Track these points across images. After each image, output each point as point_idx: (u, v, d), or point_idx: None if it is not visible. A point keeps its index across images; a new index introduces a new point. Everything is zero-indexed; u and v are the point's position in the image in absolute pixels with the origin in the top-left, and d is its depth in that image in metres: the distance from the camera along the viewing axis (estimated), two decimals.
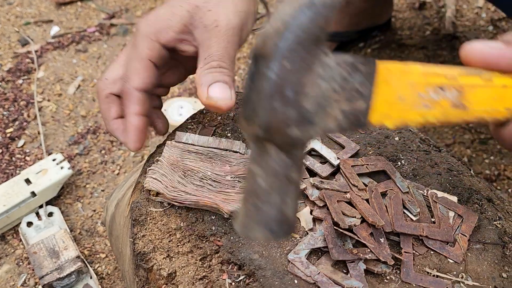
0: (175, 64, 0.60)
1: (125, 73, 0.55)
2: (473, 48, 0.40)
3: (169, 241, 0.53)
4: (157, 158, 0.58)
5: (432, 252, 0.53)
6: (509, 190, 1.06)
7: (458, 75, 0.39)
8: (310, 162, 0.59)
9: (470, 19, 1.48)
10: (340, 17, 1.27)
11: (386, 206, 0.55)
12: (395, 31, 1.43)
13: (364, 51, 1.37)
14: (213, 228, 0.53)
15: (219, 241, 0.52)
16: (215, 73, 0.52)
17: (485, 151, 1.13)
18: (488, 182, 1.04)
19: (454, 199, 0.57)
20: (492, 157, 1.12)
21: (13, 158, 1.07)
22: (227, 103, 0.51)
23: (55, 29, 1.37)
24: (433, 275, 0.50)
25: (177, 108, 1.13)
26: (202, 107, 1.13)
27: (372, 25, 1.36)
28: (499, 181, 1.07)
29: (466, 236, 0.54)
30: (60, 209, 0.98)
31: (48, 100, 1.19)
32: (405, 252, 0.52)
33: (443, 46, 1.39)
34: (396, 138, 0.65)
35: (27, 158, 1.07)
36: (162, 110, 1.11)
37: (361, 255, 0.49)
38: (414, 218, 0.54)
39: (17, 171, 1.04)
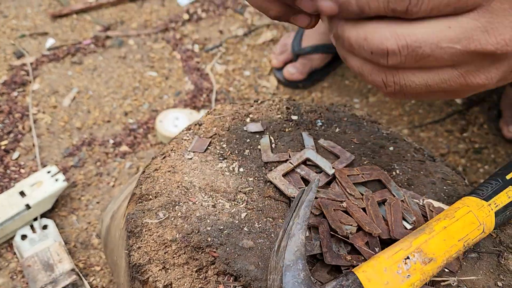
0: None
1: None
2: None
3: (165, 253, 0.53)
4: None
5: None
6: None
7: (410, 242, 0.47)
8: (306, 171, 0.59)
9: None
10: None
11: (383, 215, 0.55)
12: None
13: None
14: (209, 239, 0.52)
15: (214, 252, 0.52)
16: None
17: (480, 161, 1.14)
18: None
19: (446, 208, 0.57)
20: (486, 166, 1.13)
21: (8, 171, 1.06)
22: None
23: (50, 42, 1.37)
24: (427, 284, 0.50)
25: (173, 120, 1.13)
26: (198, 117, 1.13)
27: None
28: None
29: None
30: (54, 221, 0.98)
31: (43, 112, 1.19)
32: None
33: None
34: (391, 148, 0.65)
35: (22, 170, 1.07)
36: (158, 121, 1.11)
37: (355, 262, 0.49)
38: (409, 227, 0.54)
39: (12, 184, 1.04)
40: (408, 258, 0.46)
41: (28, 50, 1.35)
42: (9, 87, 1.24)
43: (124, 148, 1.12)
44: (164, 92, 1.26)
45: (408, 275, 0.45)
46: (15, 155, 1.09)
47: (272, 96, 1.26)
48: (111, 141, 1.13)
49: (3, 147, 1.10)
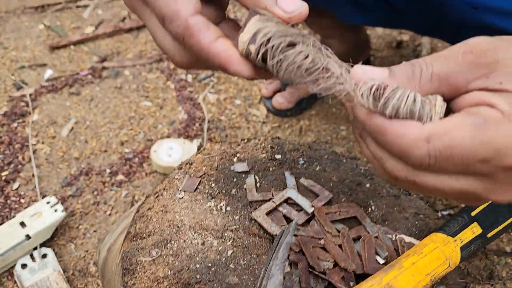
0: None
1: (163, 17, 0.43)
2: (360, 71, 0.40)
3: None
4: None
5: None
6: None
7: (381, 277, 0.52)
8: (287, 210, 0.64)
9: None
10: None
11: (358, 251, 0.60)
12: None
13: None
14: (198, 276, 0.57)
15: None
16: None
17: None
18: None
19: (417, 242, 0.62)
20: None
21: (8, 201, 1.11)
22: (306, 9, 0.44)
23: (49, 73, 1.43)
24: None
25: (167, 149, 1.18)
26: (191, 148, 1.17)
27: (352, 65, 1.43)
28: None
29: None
30: (53, 250, 1.02)
31: (42, 143, 1.24)
32: None
33: None
34: (367, 185, 0.71)
35: (22, 200, 1.11)
36: (152, 151, 1.15)
37: None
38: (381, 261, 0.59)
39: (12, 214, 1.08)
40: None
41: (28, 81, 1.40)
42: (9, 118, 1.29)
43: (120, 177, 1.17)
44: (158, 122, 1.31)
45: None
46: (15, 185, 1.14)
47: (261, 125, 1.32)
48: (108, 171, 1.18)
49: (3, 178, 1.15)
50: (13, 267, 0.99)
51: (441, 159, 0.36)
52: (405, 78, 0.39)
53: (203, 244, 0.61)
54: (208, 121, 1.32)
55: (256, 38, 0.40)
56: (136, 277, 0.59)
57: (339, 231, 0.62)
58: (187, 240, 0.61)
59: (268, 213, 0.64)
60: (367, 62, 1.48)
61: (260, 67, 0.42)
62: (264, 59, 0.40)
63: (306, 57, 0.39)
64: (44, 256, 1.00)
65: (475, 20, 0.81)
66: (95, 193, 1.14)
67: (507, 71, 0.38)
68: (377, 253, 0.60)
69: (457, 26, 0.87)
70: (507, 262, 1.04)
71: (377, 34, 1.64)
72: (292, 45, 0.40)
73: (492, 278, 0.63)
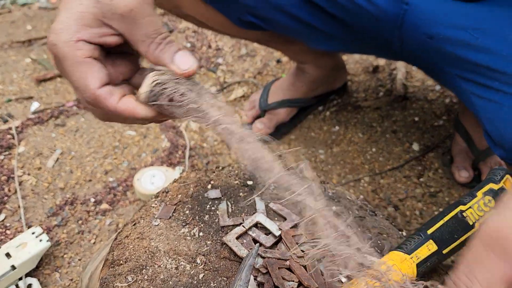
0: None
1: (77, 87, 0.54)
2: None
3: None
4: None
5: None
6: None
7: None
8: (256, 233, 0.68)
9: (419, 80, 1.63)
10: (299, 86, 1.40)
11: (321, 271, 0.63)
12: (351, 93, 1.57)
13: (323, 114, 1.49)
14: None
15: None
16: (168, 47, 0.55)
17: (435, 204, 1.24)
18: None
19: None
20: (441, 209, 1.22)
21: None
22: (196, 64, 0.55)
23: (35, 105, 1.47)
24: None
25: (150, 177, 1.21)
26: (174, 175, 1.21)
27: (329, 90, 1.49)
28: None
29: None
30: (39, 280, 1.04)
31: (28, 174, 1.27)
32: None
33: (395, 106, 1.52)
34: (334, 208, 0.74)
35: (8, 231, 1.14)
36: (135, 180, 1.19)
37: None
38: (344, 280, 0.63)
39: None
40: None
41: (14, 114, 1.44)
42: None
43: (104, 206, 1.20)
44: (142, 150, 1.35)
45: None
46: (1, 217, 1.17)
47: None
48: (92, 200, 1.21)
49: None
50: None
51: None
52: None
53: (176, 268, 0.64)
54: (191, 148, 1.36)
55: (152, 89, 0.55)
56: None
57: (303, 251, 0.65)
58: (161, 265, 0.65)
59: (238, 237, 0.67)
60: (344, 86, 1.54)
61: (159, 108, 0.56)
62: (157, 103, 0.55)
63: (187, 99, 0.53)
64: (29, 286, 1.02)
65: (435, 48, 0.87)
66: (80, 222, 1.16)
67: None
68: (340, 273, 0.64)
69: (420, 52, 0.93)
70: None
71: (354, 59, 1.71)
72: (180, 93, 0.54)
73: None
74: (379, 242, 0.70)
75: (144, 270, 0.64)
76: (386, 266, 0.61)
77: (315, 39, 1.06)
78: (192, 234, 0.69)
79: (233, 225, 0.70)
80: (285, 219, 0.70)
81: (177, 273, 0.64)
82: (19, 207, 1.18)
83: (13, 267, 1.01)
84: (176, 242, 0.67)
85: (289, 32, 1.07)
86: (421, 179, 1.30)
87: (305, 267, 0.63)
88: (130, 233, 0.70)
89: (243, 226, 0.68)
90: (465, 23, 0.78)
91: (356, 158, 1.36)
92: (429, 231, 0.66)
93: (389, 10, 0.87)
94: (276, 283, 0.60)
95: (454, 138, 1.30)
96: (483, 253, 0.44)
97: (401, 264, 0.61)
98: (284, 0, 0.95)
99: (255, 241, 0.67)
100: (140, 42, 0.55)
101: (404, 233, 0.76)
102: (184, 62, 0.55)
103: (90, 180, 1.26)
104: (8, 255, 1.02)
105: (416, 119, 1.47)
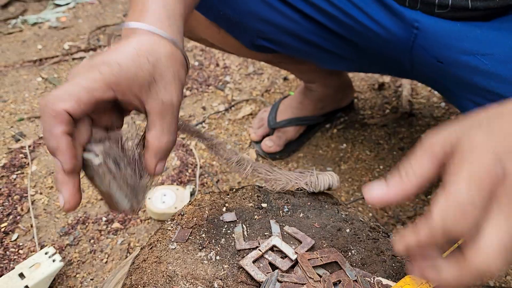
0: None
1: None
2: (367, 190, 0.51)
3: None
4: None
5: None
6: None
7: None
8: (273, 257, 0.69)
9: (425, 97, 1.65)
10: (307, 104, 1.42)
11: None
12: (358, 111, 1.58)
13: (330, 132, 1.51)
14: None
15: None
16: (163, 152, 0.62)
17: None
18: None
19: (393, 284, 0.67)
20: None
21: (7, 252, 1.14)
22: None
23: None
24: None
25: (160, 196, 1.23)
26: (184, 194, 1.22)
27: (336, 108, 1.51)
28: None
29: None
30: None
31: (41, 193, 1.28)
32: None
33: (401, 123, 1.53)
34: (347, 230, 0.76)
35: (20, 251, 1.15)
36: (146, 199, 1.21)
37: None
38: None
39: (11, 265, 1.11)
40: None
41: (26, 133, 1.46)
42: (8, 170, 1.34)
43: (116, 225, 1.21)
44: None
45: None
46: (14, 236, 1.18)
47: None
48: (104, 219, 1.22)
49: (3, 229, 1.19)
50: None
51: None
52: (397, 182, 0.49)
53: None
54: (201, 167, 1.37)
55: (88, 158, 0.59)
56: None
57: (320, 276, 0.66)
58: None
59: (254, 261, 0.68)
60: (351, 104, 1.56)
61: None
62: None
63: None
64: None
65: (445, 72, 0.89)
66: (92, 241, 1.17)
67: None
68: None
69: (431, 74, 0.94)
70: None
71: (360, 76, 1.73)
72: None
73: None
74: (393, 265, 0.71)
75: None
76: None
77: (326, 61, 1.08)
78: (209, 258, 0.70)
79: (249, 249, 0.71)
80: (300, 242, 0.71)
81: None
82: (31, 226, 1.20)
83: None
84: (193, 266, 0.68)
85: (300, 55, 1.09)
86: (429, 197, 1.31)
87: None
88: (147, 257, 0.71)
89: (259, 250, 0.69)
90: (474, 48, 0.80)
91: (364, 175, 1.37)
92: (444, 255, 0.67)
93: (399, 34, 0.89)
94: None
95: None
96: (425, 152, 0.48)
97: None
98: (295, 25, 0.97)
99: (271, 265, 0.68)
100: (155, 126, 0.62)
101: None
102: (159, 168, 0.64)
103: (101, 199, 1.27)
104: (21, 275, 1.04)
105: (423, 136, 1.48)
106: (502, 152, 0.44)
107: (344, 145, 1.46)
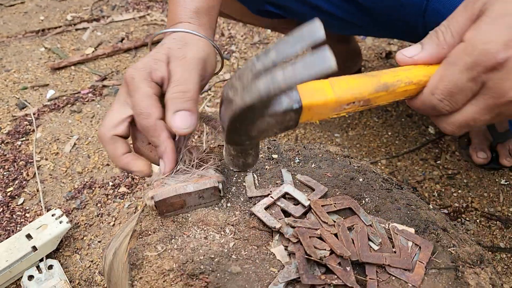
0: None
1: (140, 112, 0.63)
2: (400, 55, 0.55)
3: (164, 281, 0.60)
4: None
5: (393, 278, 0.61)
6: (477, 221, 1.14)
7: (368, 94, 0.52)
8: (285, 204, 0.67)
9: None
10: None
11: (352, 239, 0.63)
12: None
13: None
14: (202, 267, 0.60)
15: (207, 278, 0.59)
16: (179, 101, 0.63)
17: (453, 186, 1.23)
18: (457, 213, 1.13)
19: (412, 230, 0.66)
20: (460, 191, 1.21)
21: (14, 216, 1.14)
22: (187, 131, 0.64)
23: (51, 93, 1.47)
24: None
25: None
26: None
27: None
28: (468, 213, 1.16)
29: (423, 263, 0.62)
30: (59, 261, 1.04)
31: (46, 159, 1.27)
32: (369, 278, 0.59)
33: None
34: (361, 179, 0.74)
35: (27, 215, 1.14)
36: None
37: (329, 280, 0.56)
38: (376, 248, 0.62)
39: (18, 228, 1.11)
40: (353, 102, 0.52)
41: (30, 101, 1.44)
42: (13, 137, 1.32)
43: (122, 189, 1.20)
44: None
45: (342, 110, 0.53)
46: (20, 200, 1.17)
47: None
48: (111, 183, 1.21)
49: (9, 193, 1.18)
50: (19, 279, 1.01)
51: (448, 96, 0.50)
52: (434, 45, 0.53)
53: (205, 238, 0.64)
54: (207, 133, 1.35)
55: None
56: (143, 271, 0.61)
57: (334, 221, 0.65)
58: (190, 235, 0.64)
59: (266, 208, 0.67)
60: (358, 72, 1.53)
61: None
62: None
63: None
64: (50, 267, 1.02)
65: None
66: (99, 205, 1.16)
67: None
68: (371, 240, 0.63)
69: None
70: (502, 258, 1.07)
71: (367, 45, 1.70)
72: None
73: (482, 262, 0.67)
74: (408, 212, 0.70)
75: (173, 240, 0.64)
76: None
77: (334, 26, 1.06)
78: (220, 204, 0.68)
79: (260, 196, 0.69)
80: (313, 189, 0.70)
81: (207, 242, 0.63)
82: (37, 191, 1.19)
83: (34, 248, 1.01)
84: (204, 213, 0.67)
85: (307, 20, 1.07)
86: (438, 162, 1.29)
87: (336, 235, 0.63)
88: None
89: (271, 197, 0.68)
90: None
91: (372, 141, 1.35)
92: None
93: None
94: (308, 252, 0.59)
95: None
96: (461, 11, 0.52)
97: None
98: None
99: (284, 211, 0.67)
100: (170, 84, 0.65)
101: (431, 206, 0.75)
102: (177, 121, 0.63)
103: (107, 165, 1.26)
104: (29, 236, 1.03)
105: None
106: None
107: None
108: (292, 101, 0.50)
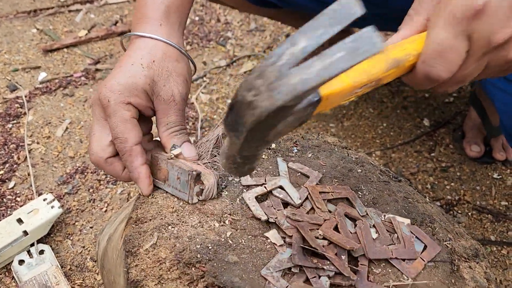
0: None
1: (117, 137, 0.64)
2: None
3: (160, 269, 0.60)
4: None
5: (389, 270, 0.61)
6: (469, 214, 1.16)
7: (381, 73, 0.48)
8: (283, 195, 0.67)
9: None
10: None
11: (356, 233, 0.63)
12: None
13: None
14: (198, 256, 0.60)
15: (204, 267, 0.59)
16: (180, 135, 0.68)
17: (446, 178, 1.24)
18: (450, 206, 1.14)
19: (407, 221, 0.66)
20: (452, 184, 1.22)
21: (4, 200, 1.12)
22: (195, 157, 0.68)
23: (42, 75, 1.44)
24: (386, 286, 0.58)
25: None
26: None
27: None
28: (460, 205, 1.17)
29: (424, 260, 0.62)
30: (50, 246, 1.03)
31: (37, 143, 1.25)
32: (361, 264, 0.60)
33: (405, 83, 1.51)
34: (359, 171, 0.74)
35: (18, 199, 1.12)
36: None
37: (320, 265, 0.56)
38: (374, 236, 0.62)
39: (8, 212, 1.09)
40: (365, 85, 0.48)
41: (21, 84, 1.41)
42: (4, 119, 1.30)
43: None
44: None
45: (354, 94, 0.50)
46: (11, 184, 1.15)
47: None
48: None
49: None
50: (10, 263, 1.00)
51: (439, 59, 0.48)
52: (415, 16, 0.53)
53: (202, 227, 0.63)
54: (201, 120, 1.34)
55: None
56: (138, 259, 0.61)
57: (330, 211, 0.65)
58: (187, 223, 0.64)
59: (262, 197, 0.66)
60: None
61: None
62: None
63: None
64: (41, 252, 1.01)
65: None
66: (91, 190, 1.15)
67: None
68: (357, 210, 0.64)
69: None
70: (492, 250, 1.09)
71: None
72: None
73: (477, 256, 0.67)
74: (405, 205, 0.70)
75: (170, 228, 0.63)
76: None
77: None
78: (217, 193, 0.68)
79: (255, 185, 0.69)
80: (308, 177, 0.70)
81: (204, 231, 0.63)
82: (28, 175, 1.17)
83: (25, 233, 1.00)
84: (201, 201, 0.67)
85: (306, 10, 1.05)
86: (432, 154, 1.30)
87: (336, 228, 0.62)
88: (154, 192, 0.69)
89: (265, 187, 0.67)
90: None
91: (367, 132, 1.35)
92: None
93: None
94: (313, 245, 0.59)
95: (469, 113, 1.30)
96: None
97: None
98: None
99: (283, 202, 0.66)
100: (160, 124, 0.68)
101: (427, 199, 0.76)
102: (186, 151, 0.67)
103: None
104: (20, 220, 1.01)
105: (427, 95, 1.46)
106: None
107: (347, 102, 1.44)
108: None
